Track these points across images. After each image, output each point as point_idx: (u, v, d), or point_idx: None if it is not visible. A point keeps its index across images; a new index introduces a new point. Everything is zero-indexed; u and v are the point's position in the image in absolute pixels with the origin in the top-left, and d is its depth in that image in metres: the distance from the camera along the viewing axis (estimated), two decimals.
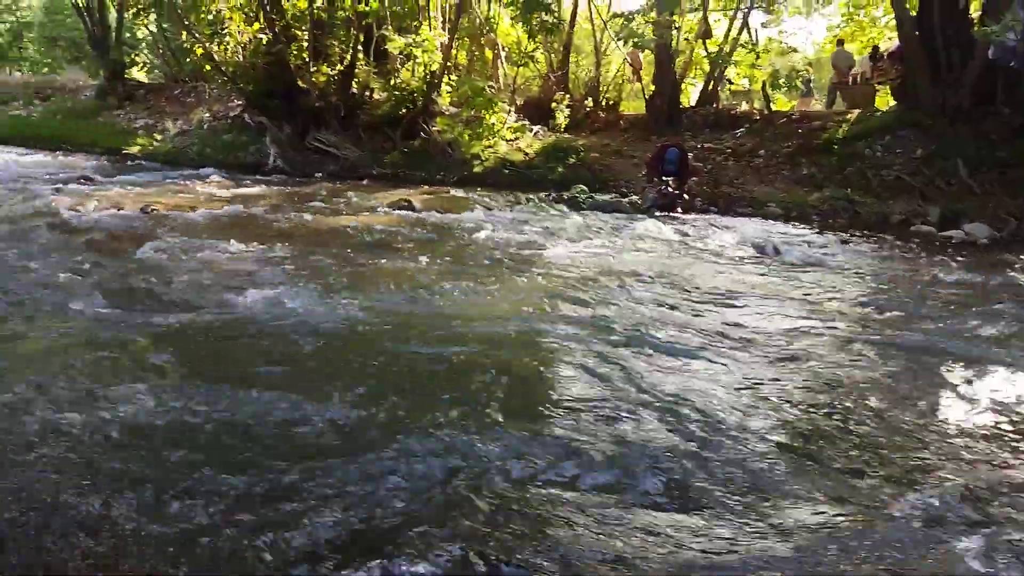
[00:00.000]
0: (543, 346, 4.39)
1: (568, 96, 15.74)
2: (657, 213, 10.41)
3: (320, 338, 4.26)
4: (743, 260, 7.57)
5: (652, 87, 15.59)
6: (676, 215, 10.43)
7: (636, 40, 15.41)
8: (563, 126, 15.25)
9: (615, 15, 17.06)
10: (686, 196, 11.12)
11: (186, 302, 4.95)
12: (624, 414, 3.44)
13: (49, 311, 4.57)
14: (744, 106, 16.20)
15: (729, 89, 17.43)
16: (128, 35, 18.63)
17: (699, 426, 3.33)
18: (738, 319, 5.12)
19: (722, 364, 4.15)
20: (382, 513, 2.51)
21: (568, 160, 13.44)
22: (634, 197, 11.49)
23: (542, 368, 4.08)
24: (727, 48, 15.48)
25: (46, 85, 20.32)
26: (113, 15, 17.92)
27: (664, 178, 11.22)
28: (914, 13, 12.24)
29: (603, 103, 16.43)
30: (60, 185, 10.33)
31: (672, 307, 5.44)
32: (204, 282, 5.52)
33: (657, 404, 3.55)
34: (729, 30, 15.67)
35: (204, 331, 4.38)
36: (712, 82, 15.78)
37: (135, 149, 14.35)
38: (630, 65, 16.28)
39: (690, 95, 17.20)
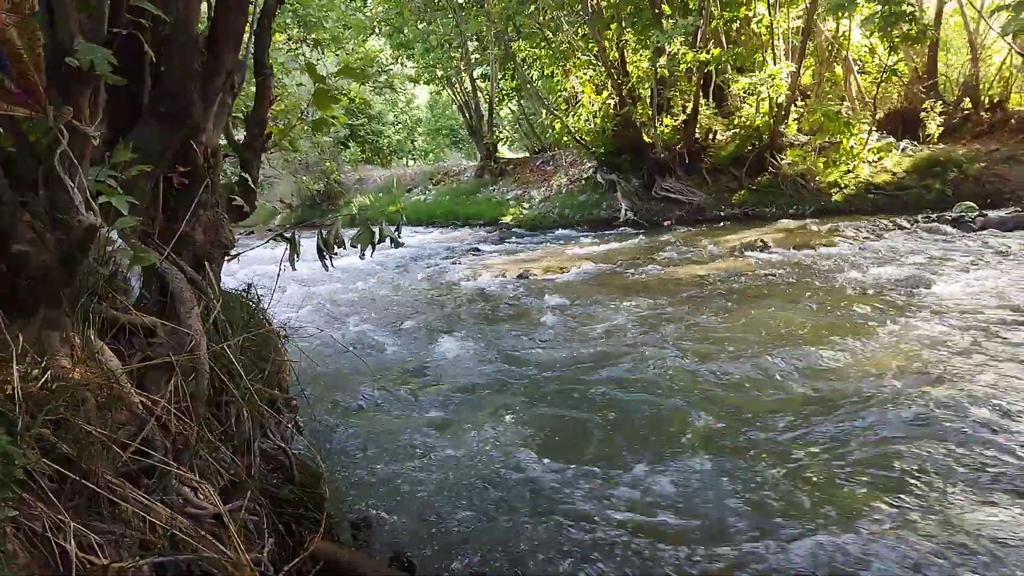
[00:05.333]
0: (956, 414, 3.91)
1: (939, 101, 13.94)
2: None
3: (687, 403, 4.41)
4: None
5: None
6: None
7: None
8: (936, 136, 13.54)
9: (998, 7, 14.66)
10: None
11: (577, 363, 5.48)
12: None
13: (462, 373, 5.44)
14: None
15: None
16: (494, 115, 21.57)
17: None
18: None
19: None
20: None
21: (947, 175, 11.90)
22: None
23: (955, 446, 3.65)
24: None
25: (435, 171, 24.33)
26: (484, 104, 20.95)
27: None
28: None
29: (984, 102, 14.19)
30: (456, 258, 12.27)
31: None
32: (582, 343, 6.05)
33: None
34: None
35: (586, 392, 4.78)
36: None
37: (508, 219, 16.46)
38: (1019, 54, 13.84)
39: None
